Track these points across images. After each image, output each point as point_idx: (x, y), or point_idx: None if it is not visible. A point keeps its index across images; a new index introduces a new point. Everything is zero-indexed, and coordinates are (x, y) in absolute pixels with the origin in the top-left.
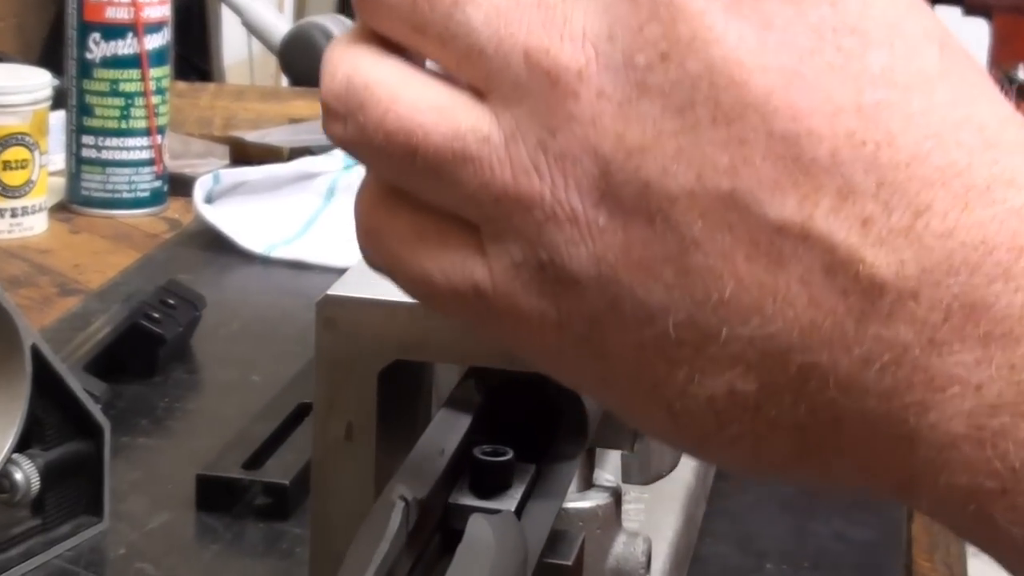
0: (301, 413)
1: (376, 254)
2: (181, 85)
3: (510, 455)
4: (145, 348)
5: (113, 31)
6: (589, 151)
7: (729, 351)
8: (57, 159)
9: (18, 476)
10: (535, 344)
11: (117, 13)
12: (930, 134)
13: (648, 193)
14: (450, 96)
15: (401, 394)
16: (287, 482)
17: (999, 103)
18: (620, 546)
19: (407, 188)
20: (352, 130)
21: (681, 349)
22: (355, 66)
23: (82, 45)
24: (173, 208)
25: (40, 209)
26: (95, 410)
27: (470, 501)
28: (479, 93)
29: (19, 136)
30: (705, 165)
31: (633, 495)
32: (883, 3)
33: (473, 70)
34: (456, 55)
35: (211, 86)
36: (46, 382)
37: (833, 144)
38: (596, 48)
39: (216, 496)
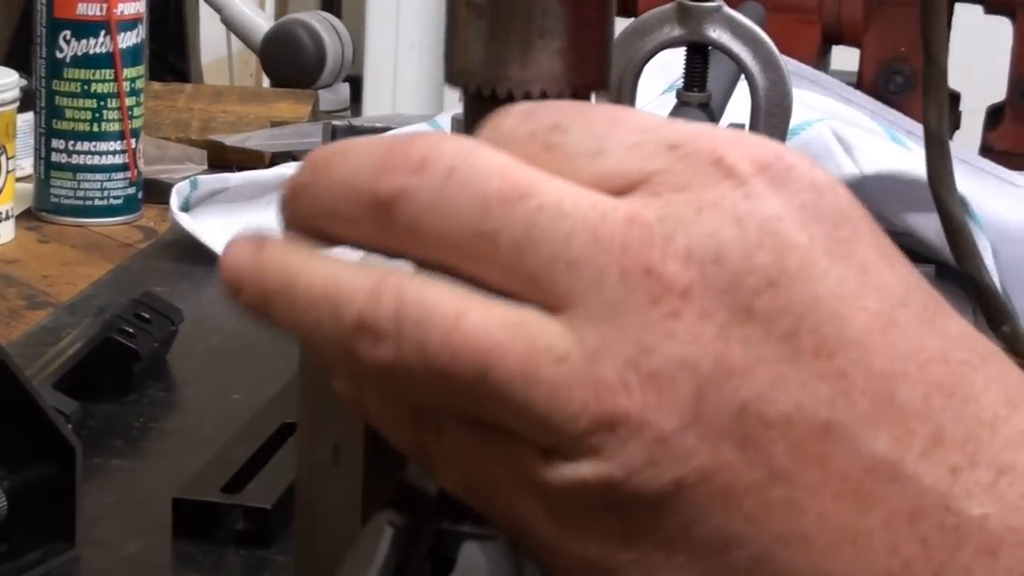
0: (283, 433)
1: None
2: (156, 86)
3: None
4: (119, 364)
5: (85, 28)
6: (686, 370)
7: None
8: (25, 164)
9: None
10: (587, 552)
11: (89, 9)
12: (1008, 400)
13: (744, 416)
14: (519, 313)
15: None
16: (269, 506)
17: None
18: None
19: (461, 411)
20: (407, 350)
21: None
22: (404, 284)
23: (52, 43)
24: (148, 216)
25: (7, 217)
26: (66, 430)
27: (463, 527)
28: (551, 309)
29: None
30: (804, 394)
31: None
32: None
33: (554, 284)
34: (533, 267)
35: (188, 87)
36: (13, 400)
37: (925, 391)
38: (702, 269)
39: (194, 521)
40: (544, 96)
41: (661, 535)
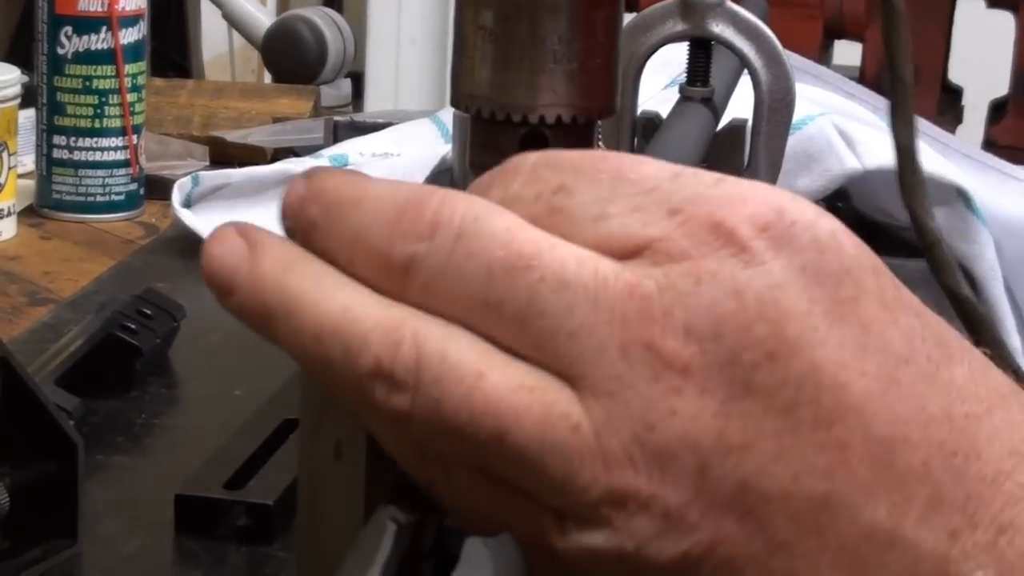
0: (286, 429)
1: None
2: (158, 82)
3: None
4: (121, 361)
5: (86, 24)
6: (688, 447)
7: None
8: (27, 160)
9: None
10: None
11: (90, 5)
12: (1013, 451)
13: (744, 491)
14: (536, 376)
15: None
16: (271, 502)
17: None
18: None
19: (474, 464)
20: (424, 404)
21: None
22: (424, 333)
23: (53, 39)
24: (150, 212)
25: (8, 213)
26: (68, 427)
27: None
28: (560, 376)
29: None
30: (803, 466)
31: None
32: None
33: (557, 355)
34: (537, 336)
35: (190, 83)
36: (15, 397)
37: (926, 453)
38: (701, 345)
39: (196, 517)
40: (559, 121)
41: None
